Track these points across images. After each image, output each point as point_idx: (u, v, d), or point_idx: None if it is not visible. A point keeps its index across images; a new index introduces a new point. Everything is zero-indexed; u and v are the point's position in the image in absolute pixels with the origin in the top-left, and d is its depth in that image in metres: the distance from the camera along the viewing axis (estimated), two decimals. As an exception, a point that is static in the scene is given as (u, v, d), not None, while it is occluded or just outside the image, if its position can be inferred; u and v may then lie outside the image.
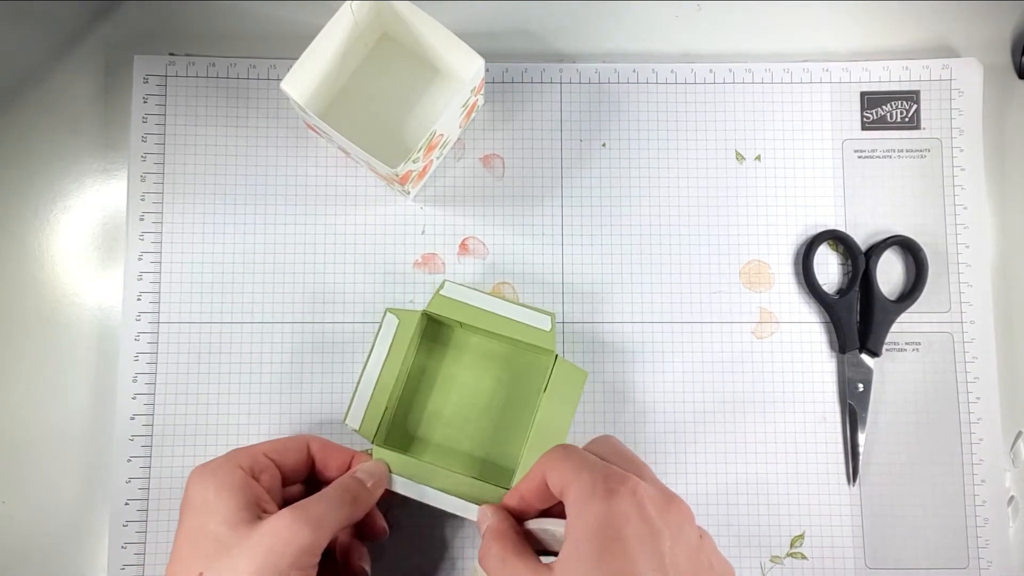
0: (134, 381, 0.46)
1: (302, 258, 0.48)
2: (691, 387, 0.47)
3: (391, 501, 0.43)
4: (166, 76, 0.48)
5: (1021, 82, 0.50)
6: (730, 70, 0.49)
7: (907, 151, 0.49)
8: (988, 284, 0.48)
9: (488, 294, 0.44)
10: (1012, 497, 0.47)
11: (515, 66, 0.49)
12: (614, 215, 0.48)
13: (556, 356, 0.43)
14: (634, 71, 0.49)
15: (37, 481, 0.46)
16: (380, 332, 0.43)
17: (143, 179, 0.47)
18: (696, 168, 0.49)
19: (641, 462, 0.35)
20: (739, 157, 0.49)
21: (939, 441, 0.47)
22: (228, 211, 0.48)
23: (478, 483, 0.41)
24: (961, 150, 0.49)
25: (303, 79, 0.42)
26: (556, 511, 0.37)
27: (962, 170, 0.49)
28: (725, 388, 0.47)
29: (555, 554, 0.34)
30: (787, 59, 0.50)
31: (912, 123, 0.49)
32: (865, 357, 0.47)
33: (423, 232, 0.48)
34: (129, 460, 0.45)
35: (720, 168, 0.49)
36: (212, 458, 0.38)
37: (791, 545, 0.46)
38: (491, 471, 0.45)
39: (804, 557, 0.46)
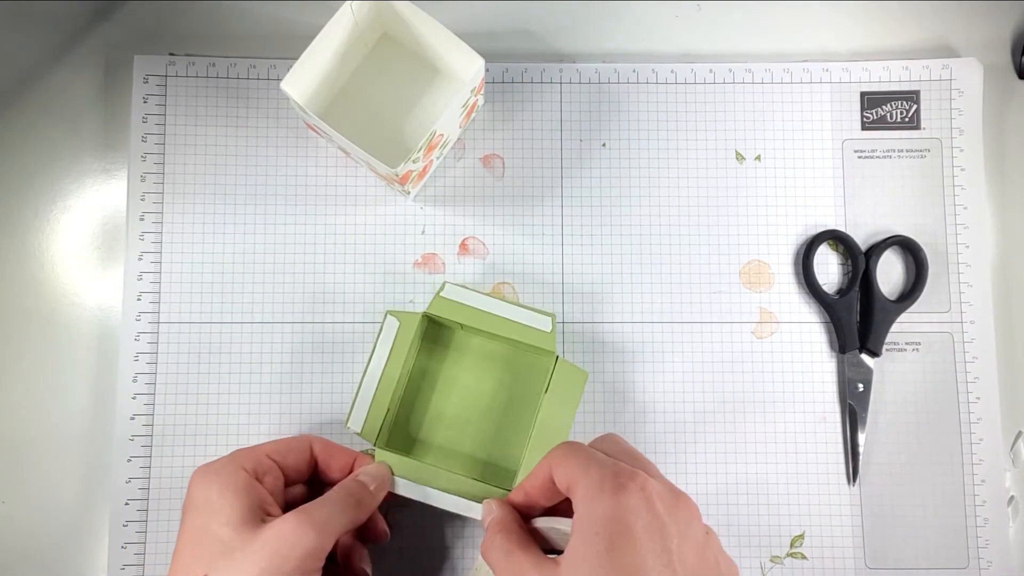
0: (134, 381, 0.46)
1: (302, 258, 0.48)
2: (691, 387, 0.47)
3: (392, 503, 0.43)
4: (166, 76, 0.48)
5: (1021, 82, 0.50)
6: (730, 70, 0.49)
7: (907, 151, 0.49)
8: (988, 284, 0.48)
9: (488, 295, 0.44)
10: (1012, 497, 0.47)
11: (515, 66, 0.49)
12: (614, 215, 0.48)
13: (557, 357, 0.43)
14: (634, 71, 0.49)
15: (37, 481, 0.46)
16: (380, 335, 0.43)
17: (143, 179, 0.47)
18: (696, 168, 0.49)
19: (646, 459, 0.35)
20: (739, 157, 0.49)
21: (939, 441, 0.47)
22: (228, 211, 0.48)
23: (480, 485, 0.41)
24: (961, 150, 0.49)
25: (303, 79, 0.42)
26: (561, 510, 0.36)
27: (962, 170, 0.49)
28: (725, 388, 0.47)
29: (561, 552, 0.34)
30: (787, 59, 0.50)
31: (912, 123, 0.49)
32: (865, 357, 0.47)
33: (423, 232, 0.48)
34: (129, 460, 0.45)
35: (720, 168, 0.49)
36: (214, 458, 0.38)
37: (791, 545, 0.46)
38: (493, 473, 0.45)
39: (804, 557, 0.46)
